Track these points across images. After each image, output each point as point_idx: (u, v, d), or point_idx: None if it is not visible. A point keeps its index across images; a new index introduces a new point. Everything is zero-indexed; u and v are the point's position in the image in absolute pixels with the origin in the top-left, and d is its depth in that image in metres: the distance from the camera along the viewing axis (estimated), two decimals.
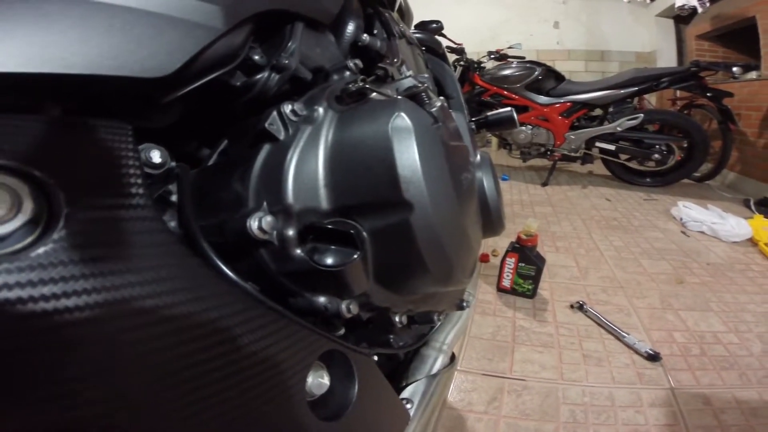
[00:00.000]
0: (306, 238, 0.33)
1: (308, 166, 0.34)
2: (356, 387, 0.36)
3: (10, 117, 0.19)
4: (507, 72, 3.16)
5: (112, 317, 0.19)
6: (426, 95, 0.41)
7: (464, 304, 0.72)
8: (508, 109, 0.97)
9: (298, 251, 0.32)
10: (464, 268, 0.44)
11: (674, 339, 1.32)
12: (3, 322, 0.16)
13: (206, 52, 0.28)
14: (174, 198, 0.32)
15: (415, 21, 1.69)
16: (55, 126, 0.20)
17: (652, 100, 3.98)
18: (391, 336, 0.56)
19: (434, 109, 0.41)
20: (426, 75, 0.73)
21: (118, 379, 0.19)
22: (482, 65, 3.35)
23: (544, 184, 3.23)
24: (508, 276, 1.59)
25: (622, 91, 2.93)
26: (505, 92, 3.15)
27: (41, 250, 0.17)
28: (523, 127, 3.18)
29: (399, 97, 0.40)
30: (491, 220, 0.62)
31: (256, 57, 0.39)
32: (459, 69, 3.34)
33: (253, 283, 0.30)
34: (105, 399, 0.19)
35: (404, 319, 0.45)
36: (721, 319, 1.42)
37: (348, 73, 0.48)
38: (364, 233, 0.34)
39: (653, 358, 1.21)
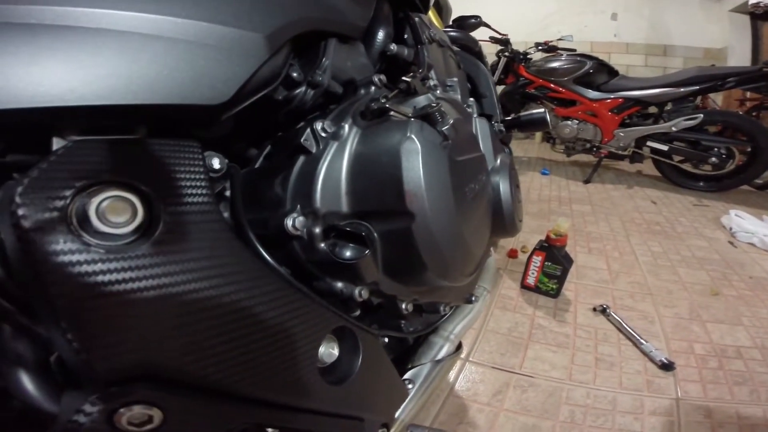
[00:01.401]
0: (329, 235, 0.40)
1: (333, 176, 0.41)
2: (360, 360, 0.43)
3: (118, 141, 0.26)
4: (555, 64, 3.06)
5: (188, 288, 0.27)
6: (439, 114, 0.45)
7: (473, 298, 0.78)
8: (542, 110, 0.99)
9: (322, 245, 0.39)
10: (461, 268, 0.50)
11: (693, 350, 1.31)
12: (127, 292, 0.24)
13: (255, 76, 0.34)
14: (227, 193, 0.39)
15: (462, 11, 1.70)
16: (147, 147, 0.28)
17: (718, 100, 3.71)
18: (402, 322, 0.62)
19: (446, 128, 0.46)
20: (455, 79, 0.76)
21: (189, 331, 0.27)
22: (529, 57, 3.26)
23: (587, 182, 3.14)
24: (533, 274, 1.61)
25: (682, 90, 2.75)
26: (552, 85, 3.06)
27: (151, 241, 0.25)
28: (569, 122, 3.09)
29: (412, 119, 0.45)
30: (503, 224, 0.67)
31: (295, 74, 0.45)
32: (503, 60, 3.27)
33: (286, 268, 0.38)
34: (180, 348, 0.27)
35: (410, 306, 0.51)
36: (749, 334, 1.38)
37: (373, 88, 0.53)
38: (375, 234, 0.41)
39: (667, 367, 1.21)
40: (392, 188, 0.40)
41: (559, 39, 3.22)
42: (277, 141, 0.47)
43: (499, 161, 0.70)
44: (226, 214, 0.38)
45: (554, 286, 1.58)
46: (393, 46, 0.64)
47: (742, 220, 2.26)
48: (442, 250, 0.43)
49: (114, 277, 0.23)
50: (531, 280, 1.62)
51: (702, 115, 2.73)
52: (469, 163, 0.54)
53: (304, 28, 0.40)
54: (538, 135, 4.27)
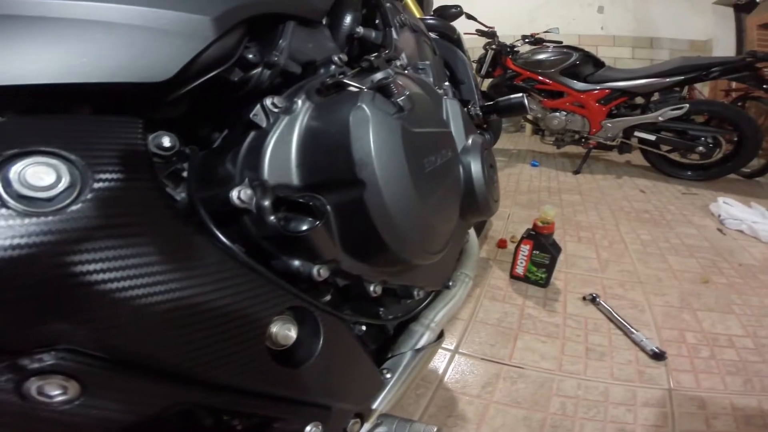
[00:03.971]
0: (279, 209, 0.39)
1: (283, 149, 0.41)
2: (320, 344, 0.41)
3: (54, 117, 0.28)
4: (541, 56, 3.05)
5: (113, 255, 0.26)
6: (394, 86, 0.45)
7: (450, 283, 0.76)
8: (520, 95, 0.97)
9: (272, 218, 0.38)
10: (423, 244, 0.48)
11: (685, 339, 1.29)
12: (48, 255, 0.23)
13: (201, 56, 0.35)
14: (185, 174, 0.39)
15: (451, 3, 1.69)
16: (85, 122, 0.29)
17: (705, 91, 3.73)
18: (381, 309, 0.61)
19: (401, 99, 0.45)
20: (427, 62, 0.75)
21: (113, 300, 0.26)
22: (516, 49, 3.24)
23: (576, 172, 3.14)
24: (521, 263, 1.59)
25: (667, 80, 2.76)
26: (539, 77, 3.05)
27: (76, 207, 0.25)
28: (557, 113, 3.08)
29: (364, 89, 0.44)
30: (476, 203, 0.66)
31: (250, 56, 0.45)
32: (491, 53, 3.25)
33: (240, 246, 0.37)
34: (103, 318, 0.26)
35: (378, 288, 0.49)
36: (740, 323, 1.37)
37: (333, 66, 0.52)
38: (328, 206, 0.39)
39: (658, 356, 1.19)
40: (342, 157, 0.40)
41: (546, 32, 3.21)
42: (233, 120, 0.45)
43: (470, 141, 0.68)
44: (183, 194, 0.38)
45: (543, 276, 1.56)
46: (360, 29, 0.64)
47: (730, 207, 2.26)
48: (396, 220, 0.42)
49: (32, 240, 0.23)
50: (520, 270, 1.60)
51: (688, 105, 2.73)
52: (430, 136, 0.52)
53: (257, 11, 0.41)
54: (529, 127, 4.26)
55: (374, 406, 0.59)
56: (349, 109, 0.41)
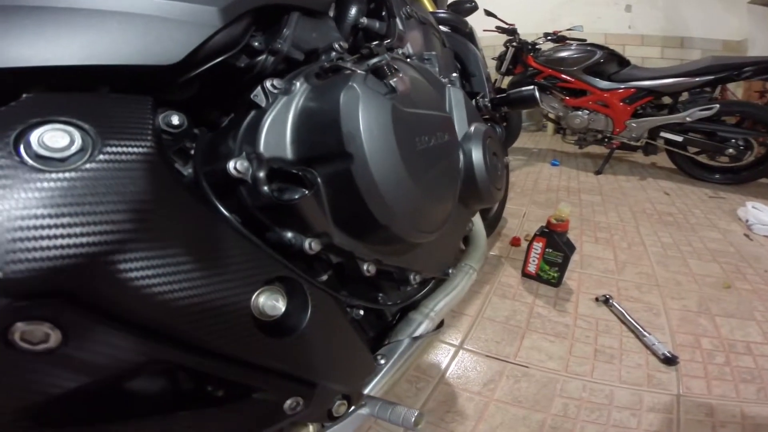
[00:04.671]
0: (273, 180, 0.41)
1: (279, 126, 0.44)
2: (307, 317, 0.42)
3: (73, 93, 0.32)
4: (564, 54, 2.97)
5: (113, 209, 0.28)
6: (388, 68, 0.48)
7: (449, 271, 0.76)
8: (531, 87, 0.96)
9: (266, 188, 0.40)
10: (413, 220, 0.49)
11: (700, 344, 1.25)
12: (55, 207, 0.26)
13: (208, 43, 0.39)
14: (192, 152, 0.43)
15: None
16: (100, 98, 0.33)
17: (738, 93, 3.57)
18: (380, 294, 0.63)
19: (393, 81, 0.48)
20: (434, 53, 0.76)
21: (108, 255, 0.28)
22: (537, 47, 3.18)
23: (598, 173, 3.06)
24: (534, 261, 1.56)
25: (696, 79, 2.65)
26: (561, 75, 2.97)
27: (86, 167, 0.28)
28: (579, 112, 3.01)
29: (357, 71, 0.46)
30: (477, 189, 0.67)
31: (256, 44, 0.48)
32: (511, 50, 3.19)
33: (236, 216, 0.40)
34: (96, 272, 0.27)
35: (371, 267, 0.51)
36: (761, 330, 1.31)
37: (334, 53, 0.55)
38: (318, 178, 0.42)
39: (669, 361, 1.15)
40: (332, 132, 0.42)
41: (569, 29, 3.13)
42: (238, 104, 0.49)
43: (473, 128, 0.69)
44: (190, 170, 0.42)
45: (555, 275, 1.53)
46: (364, 20, 0.67)
47: (759, 212, 2.16)
48: (383, 191, 0.44)
49: (45, 194, 0.26)
50: (532, 268, 1.57)
51: (718, 106, 2.61)
52: (424, 117, 0.54)
53: (262, 2, 0.45)
54: (550, 126, 4.17)
55: (366, 391, 0.60)
56: (341, 88, 0.43)
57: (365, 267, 0.50)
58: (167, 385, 0.38)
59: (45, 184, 0.26)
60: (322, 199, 0.43)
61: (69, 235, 0.26)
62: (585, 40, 3.08)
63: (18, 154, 0.26)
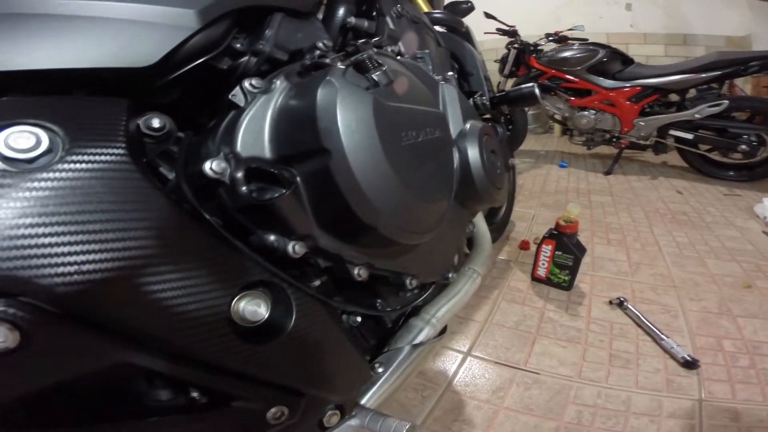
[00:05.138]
0: (251, 181, 0.40)
1: (257, 125, 0.43)
2: (291, 323, 0.40)
3: (45, 97, 0.32)
4: (567, 54, 2.94)
5: (79, 209, 0.28)
6: (370, 63, 0.46)
7: (450, 275, 0.72)
8: (530, 84, 0.93)
9: (244, 189, 0.39)
10: (401, 219, 0.47)
11: (722, 347, 1.18)
12: (17, 208, 0.26)
13: (186, 45, 0.39)
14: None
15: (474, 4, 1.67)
16: (72, 100, 0.33)
17: (747, 88, 3.50)
18: (378, 300, 0.61)
19: (376, 74, 0.46)
20: (426, 51, 0.74)
21: (70, 253, 0.27)
22: (539, 47, 3.15)
23: (607, 173, 3.00)
24: (543, 265, 1.51)
25: (703, 75, 2.59)
26: (565, 75, 2.94)
27: (53, 168, 0.27)
28: (586, 112, 2.97)
29: (338, 65, 0.45)
30: (474, 188, 0.64)
31: (238, 45, 0.48)
32: (513, 52, 3.17)
33: (217, 219, 0.38)
34: (59, 270, 0.27)
35: (362, 272, 0.48)
36: None
37: (317, 51, 0.54)
38: (297, 176, 0.41)
39: (690, 365, 1.09)
40: (308, 127, 0.40)
41: (570, 29, 3.10)
42: (219, 105, 0.47)
43: (468, 126, 0.66)
44: (173, 174, 0.41)
45: (566, 278, 1.48)
46: (352, 19, 0.66)
47: None
48: (364, 187, 0.41)
49: (6, 193, 0.26)
50: (542, 272, 1.52)
51: (727, 102, 2.56)
52: (411, 112, 0.52)
53: (241, 3, 0.44)
54: (557, 128, 4.12)
55: (362, 401, 0.57)
56: (318, 82, 0.42)
57: (356, 271, 0.47)
58: (146, 388, 0.37)
59: (9, 181, 0.26)
60: (303, 198, 0.41)
61: (31, 236, 0.25)
62: (587, 40, 3.05)
63: None
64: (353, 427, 0.51)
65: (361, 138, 0.41)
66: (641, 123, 2.83)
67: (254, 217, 0.40)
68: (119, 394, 0.36)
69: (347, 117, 0.41)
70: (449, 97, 0.67)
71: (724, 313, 1.35)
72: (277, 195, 0.38)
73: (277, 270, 0.40)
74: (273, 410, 0.40)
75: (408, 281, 0.56)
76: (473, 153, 0.63)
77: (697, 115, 2.61)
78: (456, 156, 0.63)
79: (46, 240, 0.26)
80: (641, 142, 2.91)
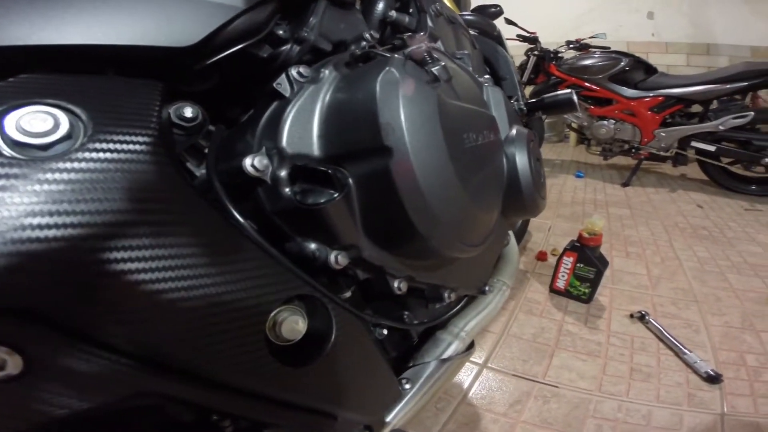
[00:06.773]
0: (296, 181, 0.36)
1: (305, 118, 0.38)
2: (331, 343, 0.36)
3: (67, 75, 0.27)
4: (588, 62, 2.91)
5: (97, 208, 0.24)
6: (429, 56, 0.42)
7: (486, 288, 0.70)
8: (568, 91, 0.92)
9: (287, 190, 0.35)
10: (458, 231, 0.43)
11: (745, 362, 1.16)
12: (30, 204, 0.22)
13: (228, 27, 0.34)
14: (206, 151, 0.38)
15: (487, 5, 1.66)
16: (98, 80, 0.29)
17: None
18: (406, 313, 0.56)
19: (436, 68, 0.42)
20: (466, 51, 0.72)
21: (88, 262, 0.24)
22: (560, 55, 3.12)
23: (625, 185, 2.96)
24: (563, 277, 1.50)
25: (728, 86, 2.55)
26: (586, 83, 2.91)
27: (72, 157, 0.23)
28: (605, 121, 2.93)
29: (396, 55, 0.41)
30: (522, 197, 0.60)
31: (281, 32, 0.44)
32: (533, 59, 3.15)
33: (251, 223, 0.34)
34: (73, 284, 0.23)
35: (403, 285, 0.45)
36: None
37: (364, 42, 0.51)
38: (349, 178, 0.36)
39: (713, 379, 1.08)
40: (367, 123, 0.36)
41: (591, 37, 3.07)
42: (259, 95, 0.44)
43: (515, 131, 0.62)
44: (203, 170, 0.37)
45: (586, 291, 1.46)
46: (393, 13, 0.63)
47: None
48: (427, 194, 0.37)
49: (14, 186, 0.21)
50: (561, 284, 1.51)
51: (753, 113, 2.51)
52: (470, 113, 0.48)
53: None
54: (573, 137, 4.08)
55: (388, 419, 0.55)
56: (378, 73, 0.38)
57: (396, 284, 0.44)
58: (167, 413, 0.34)
59: (17, 172, 0.21)
60: (353, 203, 0.37)
61: (40, 239, 0.21)
62: (608, 48, 3.01)
63: None
64: None
65: (426, 137, 0.37)
66: (662, 134, 2.79)
67: (294, 222, 0.36)
68: (136, 417, 0.33)
69: (412, 112, 0.36)
70: (495, 100, 0.65)
71: (746, 328, 1.33)
72: (326, 200, 0.34)
73: (320, 285, 0.36)
74: None
75: (446, 294, 0.53)
76: (522, 160, 0.59)
77: (721, 127, 2.57)
78: (504, 162, 0.59)
79: (58, 245, 0.21)
80: (661, 153, 2.87)
